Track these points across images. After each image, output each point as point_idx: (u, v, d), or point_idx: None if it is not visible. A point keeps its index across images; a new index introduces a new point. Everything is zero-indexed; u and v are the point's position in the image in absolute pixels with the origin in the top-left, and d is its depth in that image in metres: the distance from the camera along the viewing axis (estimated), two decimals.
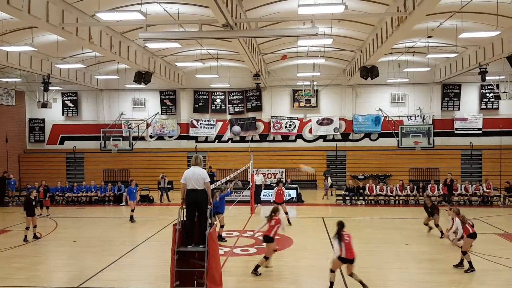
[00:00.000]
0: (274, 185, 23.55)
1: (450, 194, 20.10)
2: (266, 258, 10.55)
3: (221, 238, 13.35)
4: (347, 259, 9.11)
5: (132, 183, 17.89)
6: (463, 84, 26.31)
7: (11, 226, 16.29)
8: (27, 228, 14.15)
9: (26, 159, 28.62)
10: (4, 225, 16.95)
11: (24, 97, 28.86)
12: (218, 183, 14.41)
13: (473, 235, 10.71)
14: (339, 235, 9.24)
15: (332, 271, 9.31)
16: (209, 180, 9.20)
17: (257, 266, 10.42)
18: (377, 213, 18.99)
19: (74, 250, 13.00)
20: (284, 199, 16.58)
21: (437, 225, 14.35)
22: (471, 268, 10.45)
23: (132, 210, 17.17)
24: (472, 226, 10.88)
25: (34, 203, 14.64)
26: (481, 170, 25.90)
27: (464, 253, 10.63)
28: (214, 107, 28.07)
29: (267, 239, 10.61)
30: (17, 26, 15.81)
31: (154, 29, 16.29)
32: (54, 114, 28.66)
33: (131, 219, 17.08)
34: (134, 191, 17.52)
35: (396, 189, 21.50)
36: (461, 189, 21.16)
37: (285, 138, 27.69)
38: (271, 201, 16.62)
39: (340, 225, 9.43)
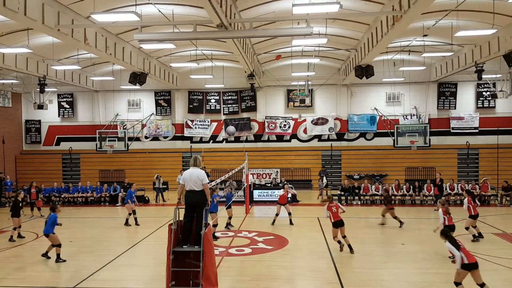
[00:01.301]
0: (269, 185, 23.73)
1: (440, 194, 20.00)
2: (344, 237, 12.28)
3: (214, 237, 13.64)
4: (471, 264, 8.18)
5: (133, 187, 17.85)
6: (459, 82, 26.38)
7: (8, 227, 16.23)
8: (15, 229, 14.46)
9: (23, 160, 28.56)
10: (1, 225, 16.94)
11: (20, 99, 28.81)
12: (213, 183, 14.46)
13: (450, 227, 11.51)
14: (455, 242, 8.44)
15: (457, 283, 8.35)
16: (208, 181, 9.22)
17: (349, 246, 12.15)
18: (372, 213, 19.02)
19: (71, 250, 12.97)
20: (287, 201, 16.94)
21: (395, 217, 15.74)
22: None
23: (131, 213, 16.91)
24: (450, 218, 11.99)
25: (21, 204, 14.84)
26: (477, 169, 25.96)
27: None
28: (209, 108, 28.09)
29: (339, 223, 12.19)
30: (13, 28, 15.83)
31: (148, 30, 16.28)
32: (50, 115, 28.64)
33: (131, 222, 16.85)
34: (133, 194, 17.43)
35: (392, 188, 21.53)
36: (457, 188, 21.20)
37: (280, 138, 27.72)
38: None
39: (449, 232, 8.81)
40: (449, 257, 10.90)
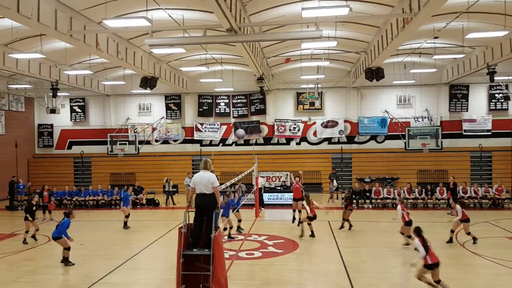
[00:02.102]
0: (279, 188, 23.63)
1: (454, 197, 19.57)
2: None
3: (230, 237, 14.36)
4: (434, 264, 8.80)
5: (129, 190, 18.02)
6: (471, 84, 26.12)
7: (20, 230, 16.42)
8: (27, 232, 14.52)
9: (35, 163, 28.90)
10: (13, 228, 17.13)
11: (33, 103, 29.19)
12: (223, 186, 14.51)
13: (409, 223, 12.73)
14: (425, 242, 8.94)
15: (420, 279, 9.01)
16: (218, 184, 9.23)
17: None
18: (384, 217, 18.89)
19: (81, 253, 13.07)
20: (302, 195, 16.25)
21: (347, 220, 15.64)
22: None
23: (127, 216, 16.89)
24: (408, 214, 13.18)
25: (35, 208, 14.92)
26: (491, 172, 25.60)
27: (408, 236, 12.35)
28: (218, 111, 28.18)
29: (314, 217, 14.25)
30: (27, 34, 16.08)
31: (159, 35, 16.42)
32: (62, 120, 28.96)
33: (129, 224, 16.89)
34: (129, 198, 17.48)
35: (403, 192, 21.35)
36: (470, 191, 20.92)
37: (289, 141, 27.70)
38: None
39: (421, 232, 9.19)
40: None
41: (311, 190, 25.19)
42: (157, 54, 20.39)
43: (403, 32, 14.00)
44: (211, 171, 9.23)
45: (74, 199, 22.83)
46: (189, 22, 15.26)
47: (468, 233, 13.41)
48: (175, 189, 23.65)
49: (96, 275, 10.80)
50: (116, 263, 11.76)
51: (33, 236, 14.65)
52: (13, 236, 15.87)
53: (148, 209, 21.83)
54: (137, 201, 22.65)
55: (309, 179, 26.61)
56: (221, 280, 8.93)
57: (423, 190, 21.37)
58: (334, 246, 13.31)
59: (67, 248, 11.80)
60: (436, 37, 18.27)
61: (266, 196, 21.80)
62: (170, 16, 14.69)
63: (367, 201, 21.54)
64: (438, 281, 8.82)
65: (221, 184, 16.17)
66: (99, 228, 17.32)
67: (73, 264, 11.73)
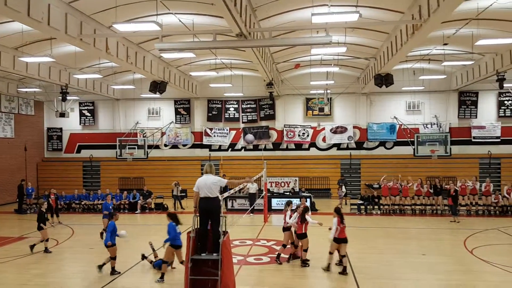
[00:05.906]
0: (288, 193, 23.48)
1: (455, 205, 18.86)
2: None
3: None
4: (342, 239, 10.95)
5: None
6: (480, 91, 25.99)
7: (29, 233, 16.55)
8: (47, 240, 13.79)
9: (44, 167, 29.10)
10: (21, 232, 17.23)
11: (42, 107, 29.45)
12: (232, 191, 14.49)
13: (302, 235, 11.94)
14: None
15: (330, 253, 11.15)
16: (225, 181, 9.32)
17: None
18: (392, 223, 18.77)
19: (90, 257, 13.12)
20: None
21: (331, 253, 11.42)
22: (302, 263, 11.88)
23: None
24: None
25: (45, 215, 14.18)
26: (500, 179, 25.39)
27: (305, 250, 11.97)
28: (228, 116, 28.23)
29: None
30: (37, 38, 16.22)
31: (169, 40, 16.49)
32: (71, 123, 29.16)
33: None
34: (110, 207, 16.10)
35: (414, 186, 21.04)
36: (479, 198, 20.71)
37: (299, 146, 27.66)
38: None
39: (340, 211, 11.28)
40: None
41: (319, 196, 25.25)
42: (167, 58, 20.50)
43: (412, 39, 13.95)
44: (223, 176, 9.27)
45: (82, 203, 22.93)
46: (199, 27, 15.35)
47: (331, 253, 11.30)
48: (184, 194, 23.67)
49: (104, 279, 10.83)
50: (124, 267, 11.76)
51: (46, 249, 13.76)
52: (22, 239, 15.94)
53: (156, 213, 21.85)
54: (146, 205, 22.72)
55: (318, 185, 26.56)
56: (229, 285, 8.93)
57: (432, 186, 21.10)
58: None
59: (114, 258, 11.31)
60: (445, 44, 18.21)
61: (274, 202, 21.74)
62: (180, 20, 14.78)
63: (376, 207, 21.41)
64: (343, 256, 10.89)
65: (229, 189, 16.18)
66: None
67: (119, 273, 11.22)
